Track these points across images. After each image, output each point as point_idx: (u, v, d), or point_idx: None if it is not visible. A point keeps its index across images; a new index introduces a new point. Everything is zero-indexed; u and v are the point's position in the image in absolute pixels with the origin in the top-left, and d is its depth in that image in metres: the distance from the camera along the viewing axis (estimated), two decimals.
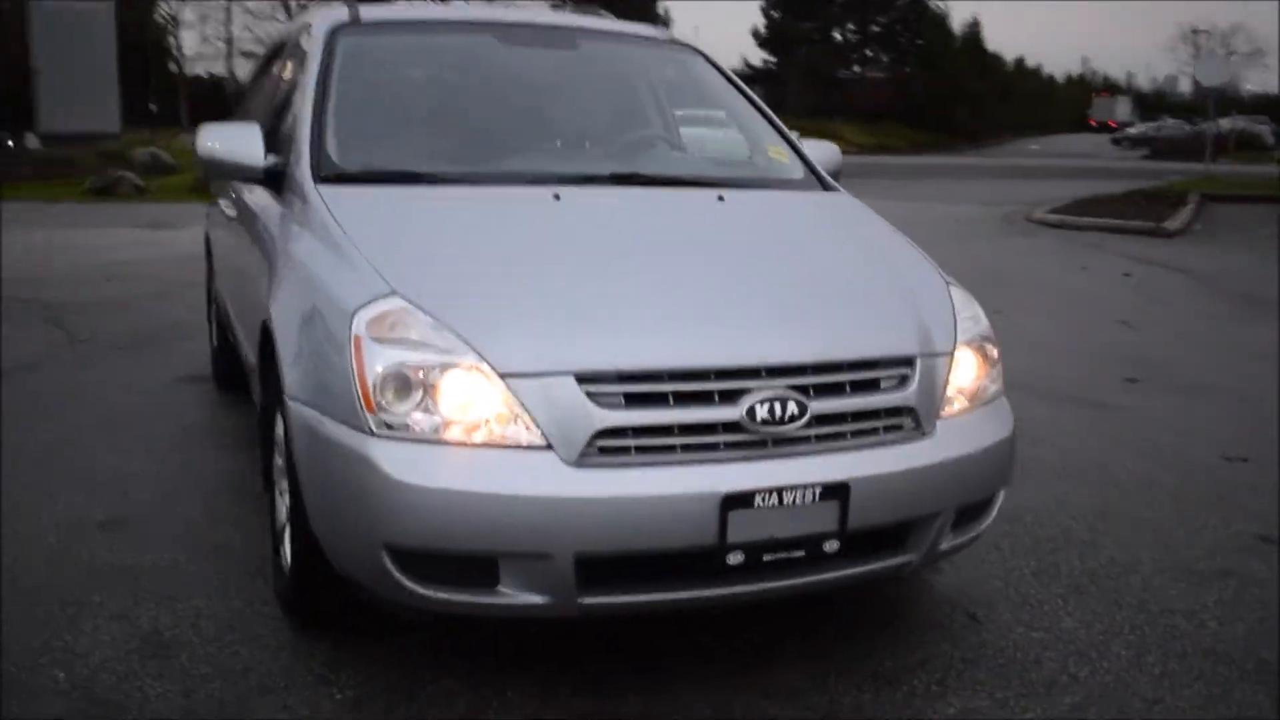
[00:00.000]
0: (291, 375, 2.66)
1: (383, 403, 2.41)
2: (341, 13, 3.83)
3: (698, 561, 2.46)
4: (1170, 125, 52.63)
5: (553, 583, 2.39)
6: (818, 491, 2.49)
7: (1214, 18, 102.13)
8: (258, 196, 3.59)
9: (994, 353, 3.00)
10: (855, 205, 3.54)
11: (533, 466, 2.37)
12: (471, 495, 2.35)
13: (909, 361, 2.71)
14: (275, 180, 3.34)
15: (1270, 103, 64.79)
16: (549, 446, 2.38)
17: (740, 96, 4.01)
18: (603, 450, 2.39)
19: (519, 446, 2.38)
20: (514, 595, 2.41)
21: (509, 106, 3.66)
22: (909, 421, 2.69)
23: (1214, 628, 3.10)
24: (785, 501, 2.46)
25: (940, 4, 62.78)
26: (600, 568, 2.41)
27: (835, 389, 2.59)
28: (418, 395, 2.41)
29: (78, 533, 3.61)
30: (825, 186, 3.67)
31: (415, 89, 3.70)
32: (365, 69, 3.60)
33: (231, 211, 4.19)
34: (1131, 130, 57.21)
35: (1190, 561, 3.56)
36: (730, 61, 34.39)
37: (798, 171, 3.73)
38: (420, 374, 2.42)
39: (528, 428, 2.38)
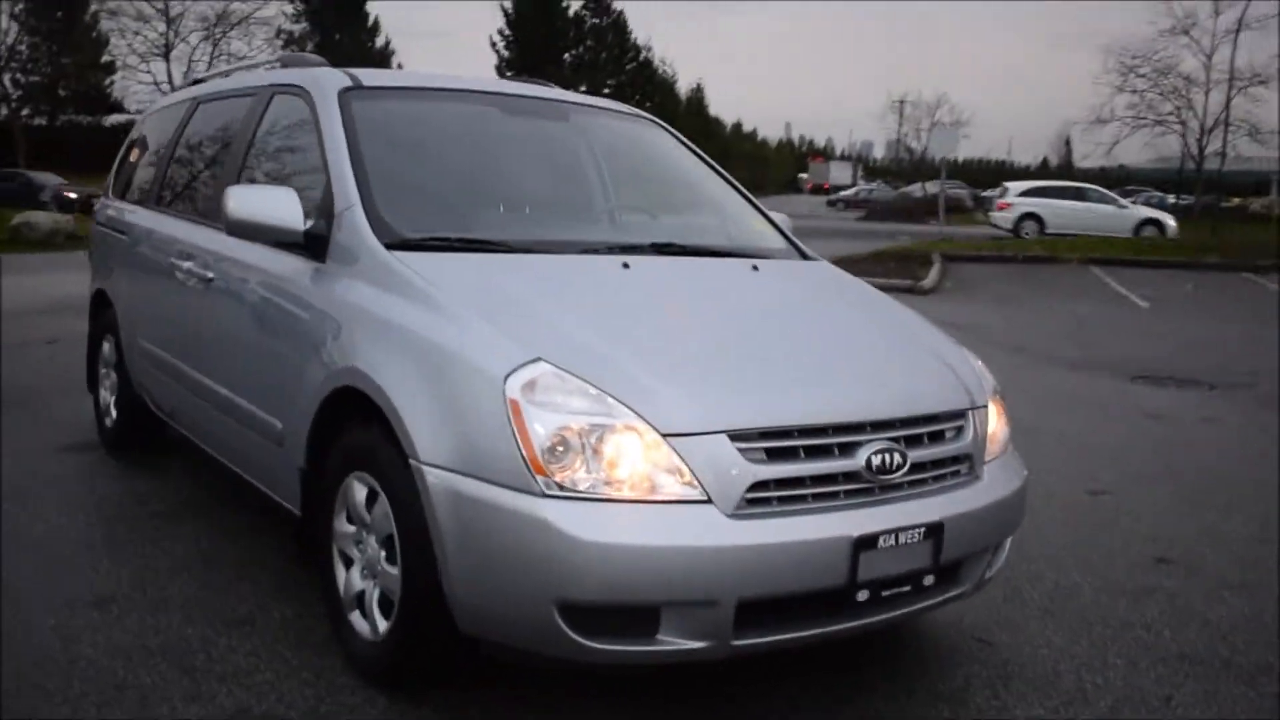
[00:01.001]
0: (424, 441, 2.68)
1: (550, 465, 2.51)
2: (336, 75, 3.83)
3: (831, 599, 2.70)
4: (880, 189, 57.66)
5: (713, 628, 2.56)
6: (922, 532, 2.80)
7: (921, 90, 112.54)
8: (277, 261, 3.50)
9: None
10: (845, 274, 3.92)
11: (697, 519, 2.54)
12: (643, 549, 2.49)
13: (963, 414, 3.08)
14: (314, 245, 3.32)
15: (963, 169, 72.21)
16: (709, 500, 2.56)
17: (712, 170, 4.32)
18: (749, 502, 2.60)
19: (682, 501, 2.55)
20: (673, 642, 2.56)
21: (537, 177, 3.80)
22: (967, 467, 3.06)
23: (1169, 635, 3.65)
24: (900, 542, 2.76)
25: (668, 69, 66.13)
26: (751, 611, 2.60)
27: (918, 440, 2.92)
28: (582, 456, 2.53)
29: (78, 613, 3.37)
30: (805, 256, 4.03)
31: (442, 157, 3.75)
32: (387, 134, 3.63)
33: (197, 270, 4.01)
34: (845, 193, 62.04)
35: (1118, 582, 4.14)
36: None
37: (779, 241, 4.07)
38: (584, 436, 2.54)
39: (690, 484, 2.55)
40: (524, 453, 2.53)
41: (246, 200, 3.35)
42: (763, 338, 3.08)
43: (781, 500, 2.64)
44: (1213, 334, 11.66)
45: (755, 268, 3.56)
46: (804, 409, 2.75)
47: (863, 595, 2.73)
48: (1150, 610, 3.85)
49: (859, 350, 3.20)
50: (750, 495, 2.60)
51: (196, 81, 5.51)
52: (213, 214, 4.09)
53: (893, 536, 2.74)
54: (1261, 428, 7.06)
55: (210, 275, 3.91)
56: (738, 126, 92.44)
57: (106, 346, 5.34)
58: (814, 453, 2.71)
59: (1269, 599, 4.00)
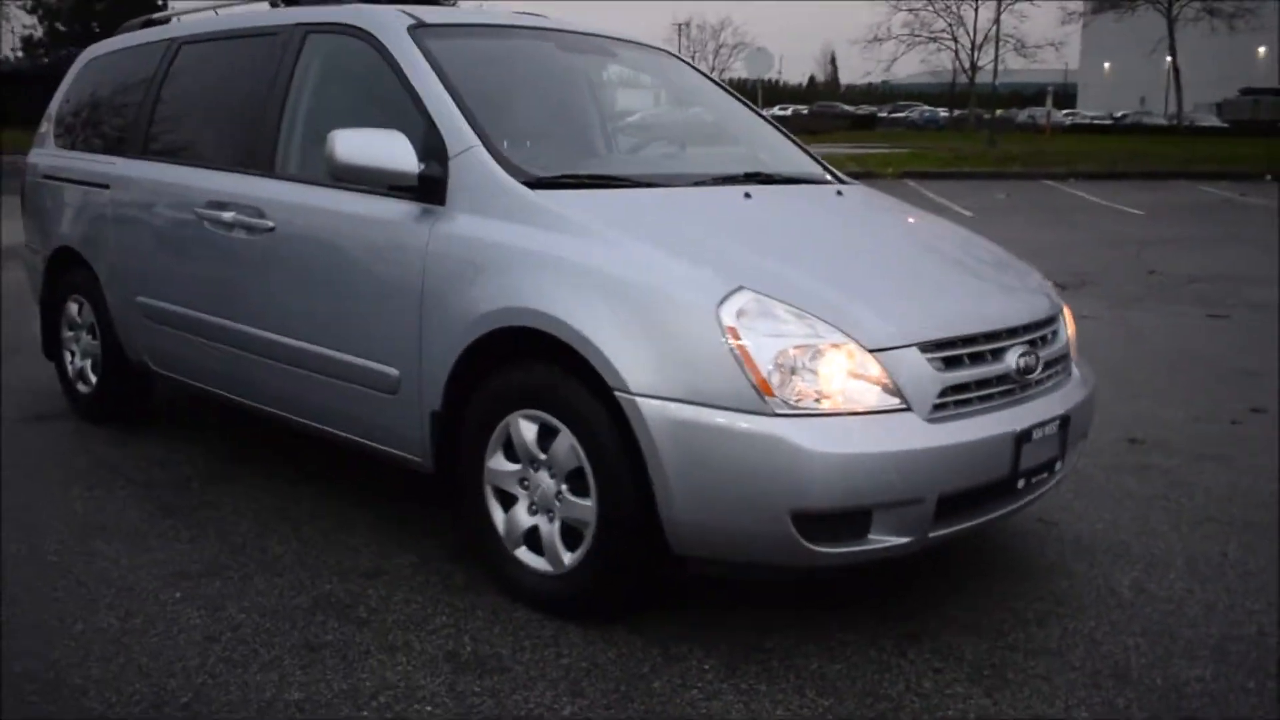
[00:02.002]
0: (633, 373, 2.74)
1: (776, 385, 2.66)
2: (395, 13, 3.72)
3: (998, 489, 2.98)
4: None
5: (916, 523, 2.79)
6: (1057, 424, 3.11)
7: (705, 13, 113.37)
8: (374, 206, 3.41)
9: None
10: (887, 196, 4.17)
11: (902, 426, 2.75)
12: (865, 456, 2.68)
13: (1055, 319, 3.40)
14: (429, 188, 3.27)
15: (740, 89, 73.87)
16: (909, 408, 2.77)
17: (736, 100, 4.45)
18: (935, 407, 2.83)
19: (888, 411, 2.75)
20: (882, 540, 2.77)
21: (615, 112, 3.82)
22: (1065, 365, 3.39)
23: (1186, 503, 4.15)
24: (1045, 434, 3.06)
25: None
26: (946, 504, 2.85)
27: (1042, 342, 3.22)
28: (801, 375, 2.68)
29: (198, 586, 3.27)
30: (841, 180, 4.24)
31: (524, 94, 3.71)
32: (468, 73, 3.56)
33: (245, 219, 3.83)
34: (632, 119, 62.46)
35: (1115, 463, 4.63)
36: None
37: (817, 167, 4.26)
38: (801, 356, 2.69)
39: (893, 394, 2.75)
40: (750, 376, 2.66)
41: (356, 143, 3.25)
42: (895, 258, 3.28)
43: (957, 404, 2.88)
44: (1032, 237, 12.65)
45: (840, 193, 3.75)
46: (965, 320, 2.99)
47: (1020, 483, 3.02)
48: (1156, 483, 4.35)
49: (971, 265, 3.45)
50: (937, 401, 2.82)
51: (149, 23, 5.14)
52: (252, 161, 3.93)
53: (1041, 429, 3.03)
54: (1115, 321, 7.88)
55: (270, 224, 3.75)
56: None
57: (74, 308, 4.99)
58: (976, 359, 2.96)
59: (1239, 467, 4.58)
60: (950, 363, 2.88)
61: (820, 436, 2.65)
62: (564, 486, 2.99)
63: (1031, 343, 3.13)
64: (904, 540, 2.79)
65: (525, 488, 3.11)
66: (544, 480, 3.04)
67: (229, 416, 4.96)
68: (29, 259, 5.39)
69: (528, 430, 3.04)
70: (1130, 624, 3.10)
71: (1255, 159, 24.80)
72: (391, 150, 3.25)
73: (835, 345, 2.72)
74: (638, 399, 2.74)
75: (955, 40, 53.27)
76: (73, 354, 5.09)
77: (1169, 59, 47.33)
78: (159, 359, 4.53)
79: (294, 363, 3.73)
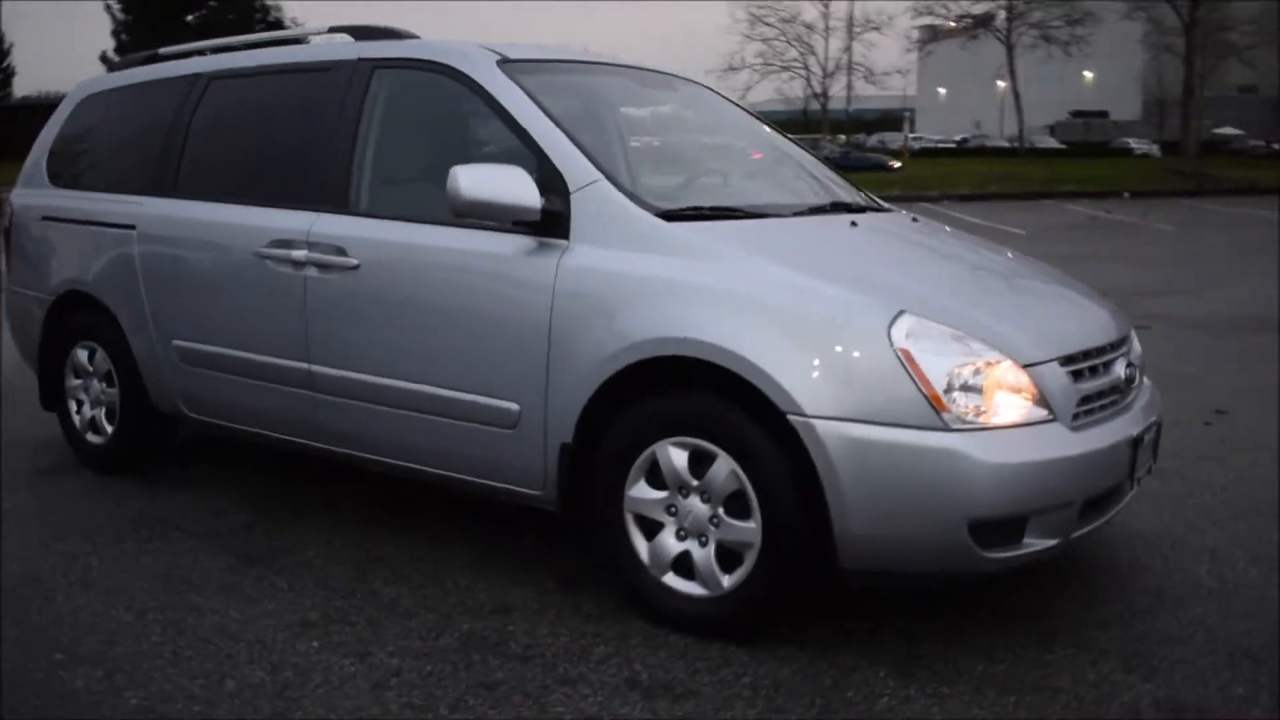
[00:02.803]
0: (806, 396, 2.83)
1: (949, 402, 2.79)
2: (480, 49, 3.73)
3: (1118, 491, 3.18)
4: None
5: (1062, 526, 2.95)
6: (1154, 429, 3.34)
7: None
8: (485, 242, 3.41)
9: None
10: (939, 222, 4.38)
11: (1054, 435, 2.92)
12: (1029, 465, 2.83)
13: (1129, 337, 3.64)
14: (551, 223, 3.29)
15: None
16: (1055, 419, 2.94)
17: (765, 126, 4.59)
18: (1074, 417, 3.02)
19: (1041, 422, 2.91)
20: (1035, 543, 2.92)
21: (703, 143, 3.90)
22: (1142, 376, 3.64)
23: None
24: (1148, 438, 3.28)
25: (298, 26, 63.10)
26: (1086, 507, 3.02)
27: (1130, 354, 3.45)
28: (969, 392, 2.83)
29: (324, 635, 3.19)
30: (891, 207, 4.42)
31: (619, 128, 3.74)
32: (563, 107, 3.60)
33: (323, 258, 3.76)
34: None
35: None
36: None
37: (863, 195, 4.43)
38: (968, 373, 2.83)
39: (1042, 406, 2.92)
40: (925, 394, 2.78)
41: (479, 180, 3.25)
42: (999, 279, 3.47)
43: (1087, 413, 3.07)
44: None
45: (914, 219, 3.92)
46: (1084, 336, 3.19)
47: (1131, 486, 3.24)
48: (1174, 484, 4.66)
49: (1060, 286, 3.65)
50: (1075, 410, 3.01)
51: (152, 59, 4.96)
52: (321, 199, 3.86)
53: (1146, 434, 3.26)
54: None
55: (353, 262, 3.69)
56: None
57: (83, 355, 4.77)
58: (1094, 372, 3.16)
59: (1236, 465, 4.95)
60: (1077, 375, 3.07)
61: (991, 448, 2.80)
62: (720, 510, 3.05)
63: (1127, 354, 3.37)
64: (1053, 542, 2.96)
65: (672, 514, 3.15)
66: (695, 506, 3.09)
67: (251, 461, 4.88)
68: (17, 304, 5.11)
69: (678, 457, 3.09)
70: (1231, 609, 3.34)
71: (1109, 178, 26.52)
72: (515, 185, 3.27)
73: (993, 363, 2.88)
74: (813, 421, 2.83)
75: (807, 69, 55.03)
76: (79, 403, 4.85)
77: (1001, 84, 50.10)
78: (196, 404, 4.37)
79: (385, 402, 3.67)
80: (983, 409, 2.84)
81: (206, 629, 3.22)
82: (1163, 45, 48.79)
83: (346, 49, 4.05)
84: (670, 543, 3.16)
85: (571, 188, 3.30)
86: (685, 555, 3.14)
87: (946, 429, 2.78)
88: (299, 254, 3.84)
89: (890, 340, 2.83)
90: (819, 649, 3.05)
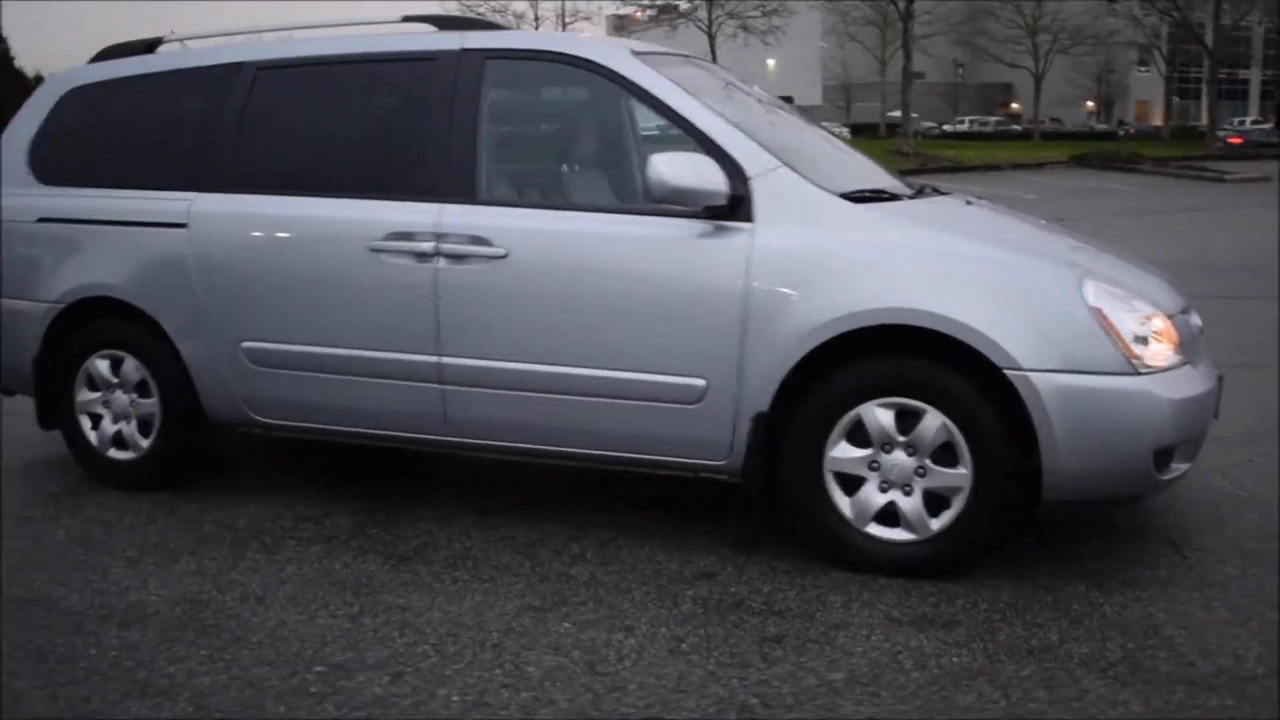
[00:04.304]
0: (1023, 352, 3.23)
1: (1137, 351, 3.29)
2: (612, 41, 3.85)
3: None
4: None
5: (1193, 452, 3.53)
6: (1220, 381, 3.97)
7: None
8: (659, 227, 3.56)
9: None
10: None
11: (1193, 375, 3.48)
12: (1193, 400, 3.38)
13: None
14: (736, 207, 3.49)
15: None
16: (1188, 362, 3.51)
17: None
18: (1184, 362, 3.59)
19: (1181, 364, 3.47)
20: (1179, 469, 3.48)
21: (796, 127, 4.19)
22: None
23: None
24: (1223, 384, 3.92)
25: None
26: (1203, 436, 3.62)
27: None
28: (1142, 342, 3.33)
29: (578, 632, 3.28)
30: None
31: (740, 116, 3.89)
32: (708, 96, 3.80)
33: (462, 249, 3.74)
34: None
35: None
36: None
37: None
38: (1143, 326, 3.34)
39: (1179, 351, 3.47)
40: (1119, 345, 3.27)
41: (678, 166, 3.41)
42: (1101, 250, 3.97)
43: (1193, 359, 3.67)
44: None
45: (969, 201, 4.38)
46: (1174, 293, 3.78)
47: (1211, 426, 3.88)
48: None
49: (1125, 257, 4.21)
50: (1190, 357, 3.60)
51: (153, 46, 4.60)
52: (444, 190, 3.82)
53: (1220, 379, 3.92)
54: None
55: (500, 251, 3.70)
56: (40, 80, 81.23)
57: (102, 365, 4.39)
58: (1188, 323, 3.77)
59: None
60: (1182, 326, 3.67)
61: (1169, 387, 3.32)
62: (926, 461, 3.40)
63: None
64: (1186, 467, 3.53)
65: (874, 469, 3.47)
66: (899, 459, 3.43)
67: (285, 465, 4.74)
68: (4, 314, 4.58)
69: (884, 416, 3.41)
70: None
71: None
72: (707, 172, 3.45)
73: (1154, 315, 3.41)
74: (1029, 373, 3.25)
75: None
76: (96, 418, 4.47)
77: None
78: (268, 408, 4.18)
79: (541, 389, 3.73)
80: (1154, 355, 3.36)
81: (438, 625, 3.20)
82: (848, 34, 53.15)
83: (442, 39, 4.00)
84: (874, 495, 3.48)
85: (750, 173, 3.52)
86: (889, 505, 3.47)
87: (1136, 373, 3.28)
88: (425, 245, 3.80)
89: (1085, 300, 3.29)
90: (1019, 575, 3.47)
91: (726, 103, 3.87)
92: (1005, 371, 3.27)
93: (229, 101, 4.22)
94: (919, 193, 4.01)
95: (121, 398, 4.41)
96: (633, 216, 3.66)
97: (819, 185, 3.56)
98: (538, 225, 3.75)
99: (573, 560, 3.67)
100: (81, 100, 4.59)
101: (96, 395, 4.46)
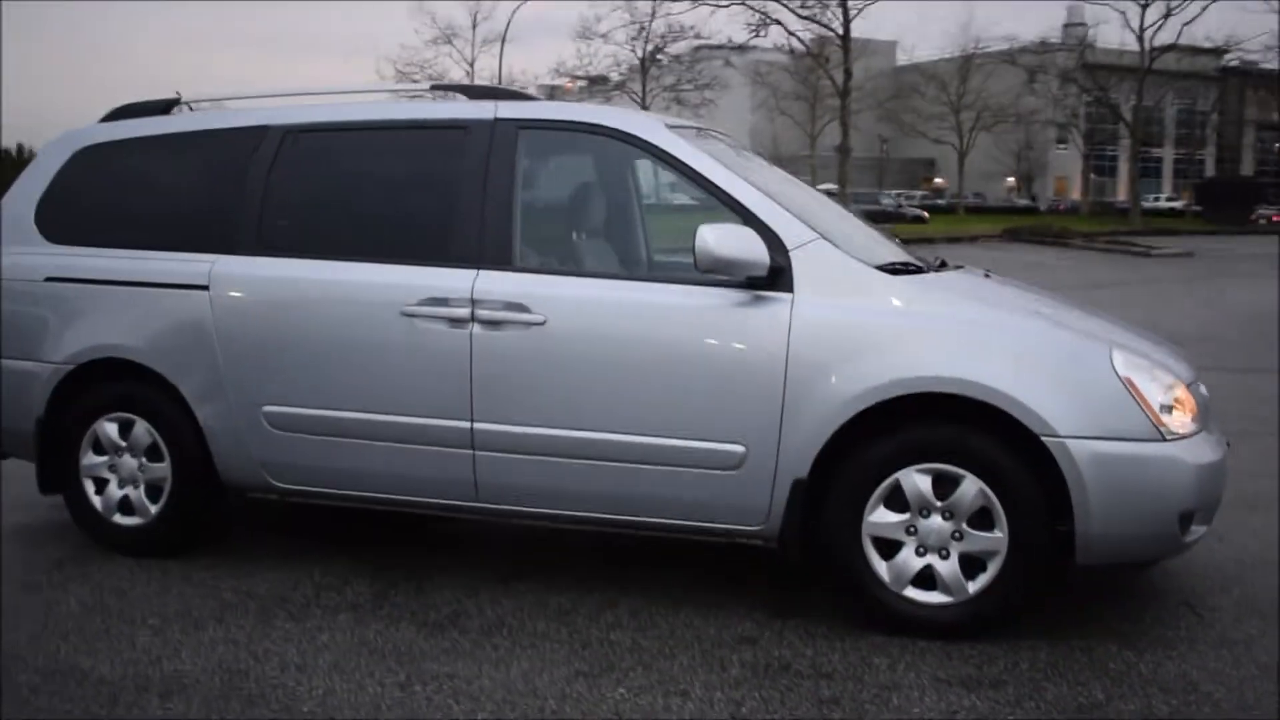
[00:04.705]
0: (1057, 419, 3.35)
1: (1163, 419, 3.43)
2: (644, 114, 3.95)
3: None
4: None
5: (1210, 516, 3.68)
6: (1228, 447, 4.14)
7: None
8: (697, 296, 3.64)
9: None
10: None
11: (1208, 442, 3.64)
12: (1212, 465, 3.54)
13: None
14: (776, 278, 3.59)
15: None
16: (1201, 430, 3.67)
17: None
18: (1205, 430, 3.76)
19: (1197, 432, 3.62)
20: (1198, 532, 3.61)
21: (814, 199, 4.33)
22: None
23: None
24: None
25: None
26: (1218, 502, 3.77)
27: None
28: (1167, 410, 3.48)
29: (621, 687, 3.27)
30: None
31: (768, 189, 4.01)
32: (742, 169, 3.92)
33: (497, 315, 3.77)
34: None
35: None
36: None
37: None
38: (1167, 394, 3.49)
39: (1195, 419, 3.63)
40: (1147, 413, 3.41)
41: (724, 238, 3.50)
42: (1115, 321, 4.14)
43: (1202, 428, 3.84)
44: None
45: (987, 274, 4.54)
46: (1185, 364, 3.95)
47: None
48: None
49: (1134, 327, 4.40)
50: (1201, 425, 3.76)
51: (169, 107, 4.59)
52: (480, 256, 3.86)
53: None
54: None
55: (539, 318, 3.74)
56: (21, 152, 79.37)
57: (111, 429, 4.31)
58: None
59: None
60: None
61: (1192, 453, 3.47)
62: (962, 525, 3.49)
63: None
64: (1204, 530, 3.67)
65: (911, 534, 3.55)
66: (936, 524, 3.51)
67: (288, 530, 4.70)
68: (3, 375, 4.48)
69: (922, 482, 3.50)
70: None
71: None
72: (750, 243, 3.54)
73: (1175, 384, 3.57)
74: (1066, 440, 3.37)
75: None
76: (101, 482, 4.37)
77: None
78: (288, 473, 4.14)
79: (577, 454, 3.75)
80: (1179, 422, 3.51)
81: (491, 693, 3.18)
82: (778, 109, 54.46)
83: (475, 108, 4.08)
84: (912, 559, 3.55)
85: (789, 245, 3.63)
86: (926, 569, 3.55)
87: (1163, 440, 3.43)
88: (460, 311, 3.82)
89: (1115, 370, 3.44)
90: (1050, 635, 3.55)
91: (753, 175, 3.98)
92: (1042, 438, 3.38)
93: (254, 164, 4.23)
94: (941, 265, 4.16)
95: (130, 461, 4.33)
96: (671, 285, 3.74)
97: (854, 257, 3.68)
98: (576, 293, 3.80)
99: (610, 626, 3.67)
100: (93, 159, 4.55)
101: (103, 459, 4.37)
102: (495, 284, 3.83)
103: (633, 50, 49.96)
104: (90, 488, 4.39)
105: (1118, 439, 3.40)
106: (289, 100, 4.59)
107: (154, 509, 4.31)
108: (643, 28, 48.12)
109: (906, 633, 3.55)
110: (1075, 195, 60.61)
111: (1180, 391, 3.57)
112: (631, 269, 4.07)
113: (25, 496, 5.08)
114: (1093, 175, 60.11)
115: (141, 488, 4.33)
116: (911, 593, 3.56)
